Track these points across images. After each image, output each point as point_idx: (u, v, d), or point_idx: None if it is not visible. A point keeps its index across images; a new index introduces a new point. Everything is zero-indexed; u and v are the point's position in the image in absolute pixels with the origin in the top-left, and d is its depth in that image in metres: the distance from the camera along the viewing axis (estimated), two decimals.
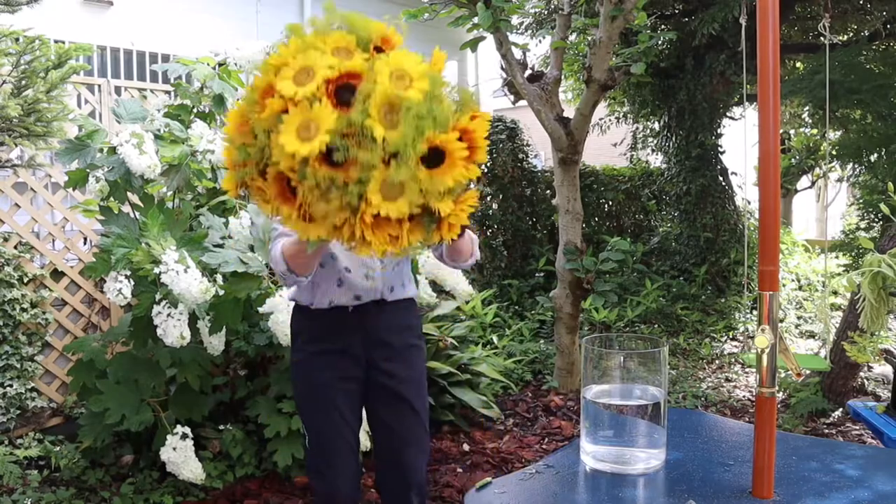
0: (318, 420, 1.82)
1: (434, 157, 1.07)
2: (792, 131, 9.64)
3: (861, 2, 6.33)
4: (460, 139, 1.09)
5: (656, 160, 8.31)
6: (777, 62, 1.22)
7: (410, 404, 1.84)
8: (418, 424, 1.85)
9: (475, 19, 4.08)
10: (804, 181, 10.96)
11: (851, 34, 6.85)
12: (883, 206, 2.59)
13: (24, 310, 3.44)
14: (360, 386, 1.83)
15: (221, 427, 3.19)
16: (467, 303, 4.88)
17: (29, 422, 3.45)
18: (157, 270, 2.35)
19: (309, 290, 1.80)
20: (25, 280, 3.51)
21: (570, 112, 4.39)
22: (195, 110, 3.08)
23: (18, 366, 3.41)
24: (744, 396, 4.55)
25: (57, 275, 3.66)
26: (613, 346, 1.45)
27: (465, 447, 3.52)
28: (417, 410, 1.85)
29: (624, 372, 1.40)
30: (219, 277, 2.58)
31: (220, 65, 3.07)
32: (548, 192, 7.15)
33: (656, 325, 6.15)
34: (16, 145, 2.55)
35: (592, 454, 1.40)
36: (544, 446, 3.59)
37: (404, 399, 1.83)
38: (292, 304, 1.90)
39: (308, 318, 1.82)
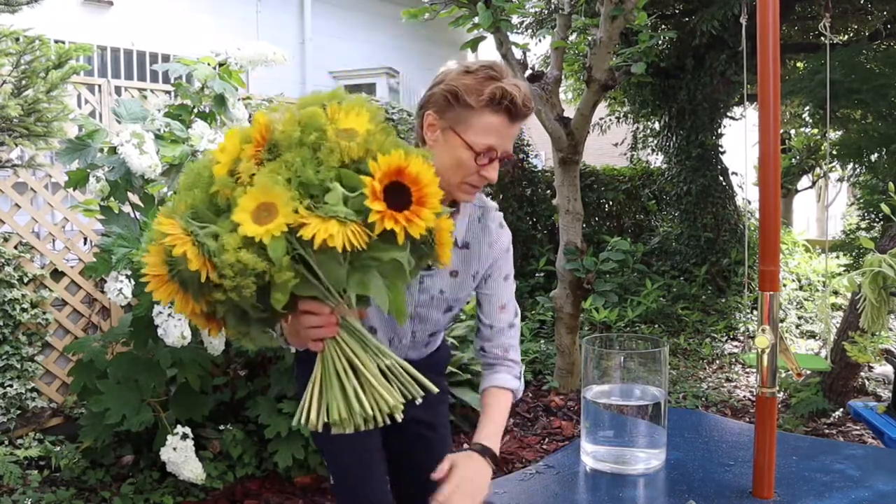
0: (346, 457, 1.61)
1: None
2: (792, 131, 9.64)
3: (861, 2, 6.32)
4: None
5: (656, 160, 8.31)
6: (777, 62, 1.22)
7: (437, 446, 1.66)
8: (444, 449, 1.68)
9: (475, 19, 4.08)
10: (804, 181, 10.96)
11: (852, 34, 6.85)
12: (883, 206, 2.58)
13: (24, 310, 3.44)
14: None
15: (222, 427, 3.19)
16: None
17: (29, 422, 3.45)
18: None
19: None
20: (25, 280, 3.51)
21: (570, 112, 4.39)
22: (196, 110, 3.08)
23: (19, 366, 3.40)
24: (744, 396, 4.54)
25: (57, 275, 3.66)
26: (614, 347, 1.45)
27: (466, 447, 3.51)
28: (445, 447, 1.68)
29: (624, 372, 1.40)
30: None
31: (221, 65, 3.07)
32: (548, 192, 7.15)
33: (657, 325, 6.14)
34: (16, 145, 2.55)
35: (593, 454, 1.40)
36: (545, 446, 3.59)
37: (429, 439, 1.65)
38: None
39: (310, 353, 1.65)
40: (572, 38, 5.03)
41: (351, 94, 1.09)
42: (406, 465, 1.67)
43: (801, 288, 7.32)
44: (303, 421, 1.09)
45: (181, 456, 2.62)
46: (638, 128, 8.28)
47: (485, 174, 1.35)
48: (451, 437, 1.75)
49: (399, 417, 1.08)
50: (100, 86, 4.01)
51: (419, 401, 1.10)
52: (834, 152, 5.42)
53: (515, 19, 5.99)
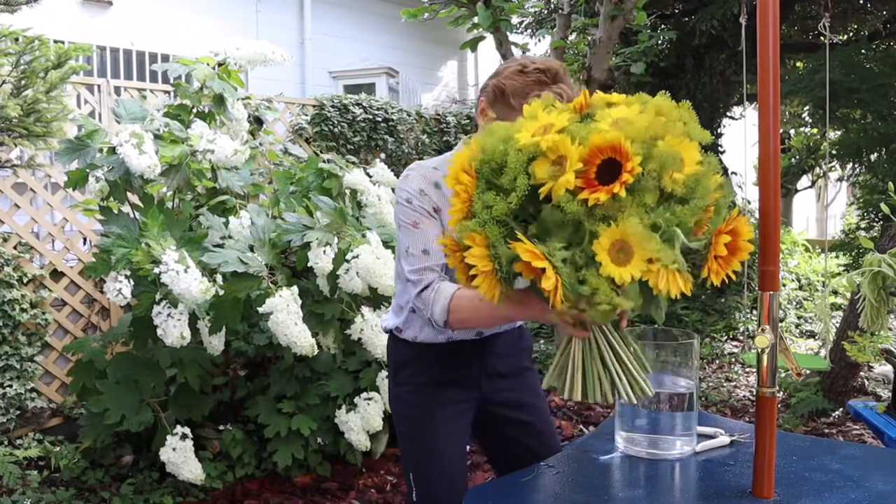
0: (430, 470, 1.66)
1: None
2: (792, 131, 9.64)
3: (861, 1, 6.32)
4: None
5: None
6: (777, 62, 1.22)
7: (537, 423, 1.73)
8: (551, 435, 1.76)
9: (475, 19, 4.08)
10: (804, 181, 10.96)
11: (851, 34, 6.85)
12: (883, 206, 2.58)
13: (23, 310, 3.44)
14: (473, 413, 1.70)
15: (221, 427, 3.19)
16: None
17: (29, 422, 3.45)
18: (157, 270, 2.35)
19: (419, 325, 1.60)
20: (25, 280, 3.51)
21: None
22: (195, 110, 3.08)
23: (18, 366, 3.40)
24: (744, 396, 4.54)
25: (57, 275, 3.66)
26: (648, 338, 1.52)
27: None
28: (547, 424, 1.75)
29: (656, 362, 1.45)
30: (219, 277, 2.58)
31: (220, 65, 3.07)
32: None
33: (656, 325, 6.14)
34: (15, 145, 2.55)
35: (627, 439, 1.45)
36: None
37: (528, 422, 1.71)
38: (383, 331, 1.72)
39: (415, 350, 1.64)
40: (572, 37, 5.04)
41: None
42: (515, 452, 1.71)
43: (800, 288, 7.32)
44: (566, 395, 1.19)
45: (181, 456, 2.62)
46: None
47: None
48: (544, 396, 1.80)
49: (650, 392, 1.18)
50: (99, 86, 4.01)
51: (651, 392, 1.19)
52: (833, 152, 5.41)
53: (515, 19, 5.99)
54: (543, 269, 0.97)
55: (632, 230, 0.95)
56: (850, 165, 5.52)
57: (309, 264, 2.70)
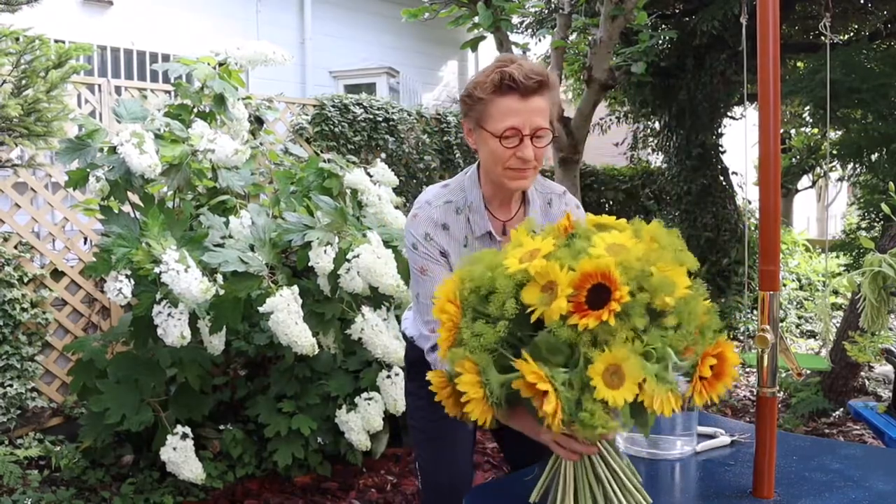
0: (440, 466, 1.73)
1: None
2: (792, 131, 9.63)
3: (862, 1, 6.32)
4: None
5: (656, 160, 8.31)
6: (777, 62, 1.22)
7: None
8: None
9: (475, 19, 4.07)
10: (805, 181, 10.96)
11: (852, 33, 6.84)
12: (884, 206, 2.58)
13: (24, 310, 3.44)
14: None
15: (221, 427, 3.19)
16: None
17: (29, 422, 3.45)
18: (157, 270, 2.35)
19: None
20: (25, 280, 3.51)
21: (570, 112, 4.39)
22: (195, 110, 3.08)
23: (18, 366, 3.40)
24: (744, 396, 4.54)
25: (57, 275, 3.66)
26: None
27: (470, 442, 3.51)
28: None
29: None
30: (219, 277, 2.58)
31: (221, 64, 3.07)
32: None
33: None
34: (16, 145, 2.55)
35: (628, 440, 1.46)
36: None
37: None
38: (398, 332, 1.73)
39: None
40: (572, 37, 5.04)
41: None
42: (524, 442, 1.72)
43: (801, 288, 7.32)
44: None
45: (181, 456, 2.62)
46: (638, 127, 8.27)
47: (520, 155, 1.40)
48: None
49: None
50: (100, 85, 4.00)
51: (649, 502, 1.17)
52: (834, 152, 5.41)
53: (515, 19, 5.98)
54: (545, 392, 0.99)
55: (624, 356, 0.97)
56: (850, 165, 5.51)
57: (309, 264, 2.70)
